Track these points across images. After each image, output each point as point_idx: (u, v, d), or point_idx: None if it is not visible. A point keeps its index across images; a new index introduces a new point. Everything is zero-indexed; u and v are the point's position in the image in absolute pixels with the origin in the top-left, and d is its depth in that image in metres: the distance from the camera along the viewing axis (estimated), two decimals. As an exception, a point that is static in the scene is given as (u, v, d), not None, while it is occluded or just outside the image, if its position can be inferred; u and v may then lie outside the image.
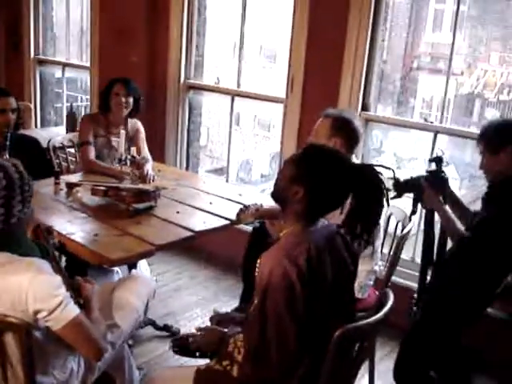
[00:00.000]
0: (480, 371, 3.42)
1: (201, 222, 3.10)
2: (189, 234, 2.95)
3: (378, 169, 2.07)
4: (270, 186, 6.94)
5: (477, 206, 2.91)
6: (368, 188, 2.01)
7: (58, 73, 6.37)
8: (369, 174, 2.04)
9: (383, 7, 3.83)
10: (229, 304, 3.93)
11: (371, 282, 3.12)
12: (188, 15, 4.84)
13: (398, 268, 3.40)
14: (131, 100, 4.00)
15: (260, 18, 6.73)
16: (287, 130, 4.31)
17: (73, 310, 1.95)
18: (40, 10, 6.21)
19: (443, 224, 2.84)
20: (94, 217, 3.10)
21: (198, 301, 4.16)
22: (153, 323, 3.64)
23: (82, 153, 3.97)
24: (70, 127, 5.48)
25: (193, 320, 3.84)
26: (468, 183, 6.27)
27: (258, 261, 1.98)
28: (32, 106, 6.28)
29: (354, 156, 3.13)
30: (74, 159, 4.44)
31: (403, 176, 2.89)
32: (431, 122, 3.85)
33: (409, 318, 2.99)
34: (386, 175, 2.12)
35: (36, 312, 1.89)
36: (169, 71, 4.97)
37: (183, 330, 3.65)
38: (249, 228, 3.81)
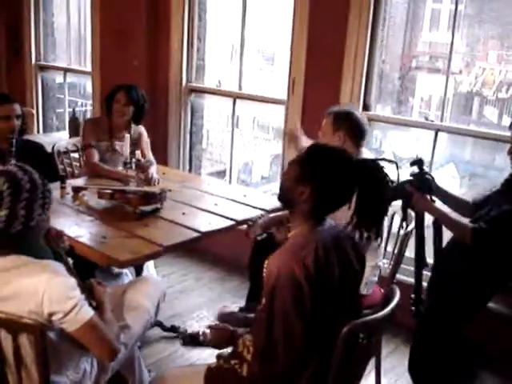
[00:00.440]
0: (482, 365, 3.46)
1: (206, 223, 3.14)
2: (195, 234, 2.99)
3: (382, 163, 2.10)
4: (271, 188, 6.98)
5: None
6: (372, 182, 2.03)
7: (59, 78, 6.40)
8: (371, 168, 2.06)
9: (382, 7, 3.87)
10: (234, 305, 3.95)
11: (375, 278, 3.16)
12: (189, 19, 4.89)
13: (402, 266, 3.43)
14: (131, 109, 4.03)
15: (260, 20, 6.75)
16: (289, 131, 4.33)
17: (87, 312, 1.99)
18: (40, 16, 6.25)
19: (442, 222, 2.84)
20: (101, 220, 3.14)
21: (204, 302, 4.19)
22: (160, 324, 3.66)
23: (86, 156, 4.02)
24: (73, 132, 5.51)
25: (200, 320, 3.87)
26: (468, 182, 6.28)
27: (266, 261, 2.00)
28: (34, 111, 6.31)
29: (363, 149, 3.17)
30: (78, 164, 4.48)
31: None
32: (432, 121, 3.89)
33: (412, 316, 3.02)
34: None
35: (51, 314, 1.93)
36: (170, 75, 5.01)
37: (190, 331, 3.68)
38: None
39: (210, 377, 2.15)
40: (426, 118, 3.99)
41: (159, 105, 5.07)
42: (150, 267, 3.66)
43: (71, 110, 5.95)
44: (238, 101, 4.83)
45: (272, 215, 3.12)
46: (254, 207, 3.45)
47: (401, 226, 3.03)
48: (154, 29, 4.98)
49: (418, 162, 2.84)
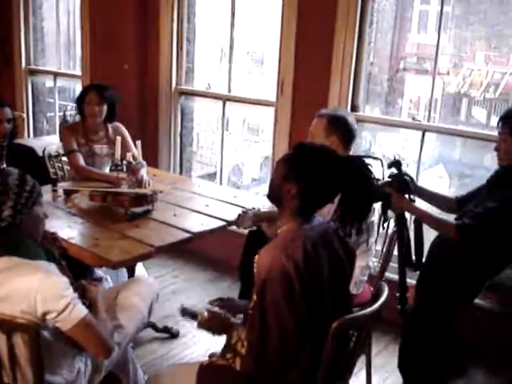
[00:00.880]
0: (472, 361, 3.50)
1: (198, 224, 3.17)
2: (186, 235, 3.02)
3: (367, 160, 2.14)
4: (261, 190, 6.99)
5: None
6: (357, 179, 2.07)
7: (49, 82, 6.41)
8: (357, 165, 2.10)
9: (369, 10, 3.92)
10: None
11: (365, 278, 3.19)
12: (178, 22, 4.91)
13: (391, 264, 3.47)
14: (105, 107, 3.99)
15: (249, 23, 6.78)
16: (278, 133, 4.38)
17: (81, 311, 2.02)
18: (30, 21, 6.25)
19: (424, 221, 2.87)
20: (93, 222, 3.16)
21: (195, 303, 4.19)
22: (153, 325, 3.69)
23: (72, 161, 3.97)
24: (64, 136, 5.52)
25: (192, 321, 3.89)
26: (457, 182, 6.33)
27: (256, 257, 2.05)
28: (24, 115, 6.31)
29: (350, 152, 3.20)
30: (68, 167, 4.49)
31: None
32: (419, 121, 3.93)
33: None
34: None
35: (45, 313, 1.96)
36: (160, 77, 5.03)
37: (183, 332, 3.71)
38: (245, 231, 3.88)
39: (202, 374, 2.18)
40: (414, 119, 4.04)
41: (149, 108, 5.10)
42: (139, 269, 3.67)
43: (61, 113, 5.96)
44: (227, 103, 4.86)
45: (263, 210, 3.14)
46: (244, 208, 3.47)
47: (382, 227, 3.05)
48: (143, 32, 5.01)
49: (396, 163, 2.87)
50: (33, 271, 1.97)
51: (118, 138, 3.74)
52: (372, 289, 3.18)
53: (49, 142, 5.31)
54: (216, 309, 2.34)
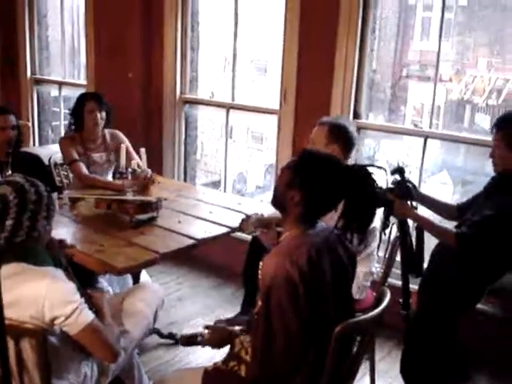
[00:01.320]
0: (477, 368, 3.51)
1: (202, 231, 3.20)
2: (191, 241, 3.05)
3: (370, 169, 2.18)
4: (266, 197, 7.02)
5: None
6: (360, 186, 2.11)
7: (54, 91, 6.46)
8: (360, 172, 2.14)
9: (371, 18, 3.95)
10: (231, 311, 4.00)
11: (368, 283, 3.22)
12: (182, 31, 4.96)
13: (394, 270, 3.49)
14: (104, 115, 4.02)
15: (252, 31, 6.82)
16: (282, 140, 4.41)
17: (88, 315, 2.05)
18: (35, 30, 6.30)
19: (425, 228, 2.88)
20: (98, 229, 3.19)
21: (200, 309, 4.24)
22: (158, 332, 3.71)
23: (75, 171, 3.97)
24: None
25: (197, 328, 3.90)
26: (461, 189, 6.34)
27: (261, 264, 2.07)
28: (30, 124, 6.35)
29: (350, 161, 3.23)
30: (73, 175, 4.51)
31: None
32: (421, 128, 3.96)
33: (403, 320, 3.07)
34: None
35: (53, 318, 1.99)
36: (164, 86, 5.07)
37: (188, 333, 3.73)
38: (248, 238, 3.91)
39: (207, 378, 2.20)
40: (415, 125, 4.06)
41: (154, 116, 5.14)
42: (143, 276, 3.69)
43: (67, 122, 6.00)
44: (231, 111, 4.89)
45: (266, 216, 3.17)
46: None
47: (384, 233, 3.07)
48: (147, 41, 5.05)
49: (399, 170, 2.88)
50: (40, 277, 2.00)
51: (123, 146, 3.78)
52: (375, 294, 3.20)
53: (54, 151, 5.34)
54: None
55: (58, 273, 2.08)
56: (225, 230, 3.26)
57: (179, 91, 5.08)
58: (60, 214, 3.41)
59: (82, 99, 4.06)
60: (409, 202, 2.87)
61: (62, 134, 5.99)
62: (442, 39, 3.82)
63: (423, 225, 2.87)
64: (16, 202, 2.04)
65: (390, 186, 2.86)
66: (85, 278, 3.05)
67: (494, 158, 2.82)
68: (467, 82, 7.34)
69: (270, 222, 3.01)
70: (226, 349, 2.30)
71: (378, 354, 3.52)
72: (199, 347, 2.59)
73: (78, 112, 4.02)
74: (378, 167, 2.30)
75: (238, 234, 3.68)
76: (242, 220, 3.19)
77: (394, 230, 3.29)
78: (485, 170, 4.32)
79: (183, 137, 5.26)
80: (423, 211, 3.05)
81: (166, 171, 5.20)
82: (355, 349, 2.22)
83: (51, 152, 4.97)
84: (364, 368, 3.00)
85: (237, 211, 3.52)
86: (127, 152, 3.98)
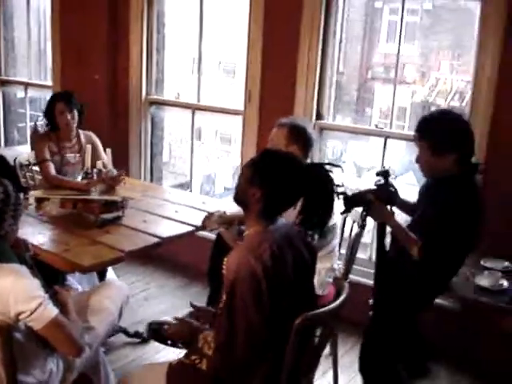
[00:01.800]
0: (436, 361, 3.59)
1: (167, 229, 3.25)
2: (156, 240, 3.10)
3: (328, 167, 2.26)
4: (233, 198, 7.04)
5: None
6: (318, 184, 2.20)
7: (20, 93, 6.42)
8: (318, 171, 2.23)
9: (332, 22, 4.02)
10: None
11: (330, 280, 3.27)
12: (147, 33, 4.98)
13: (355, 267, 3.57)
14: (76, 113, 4.04)
15: (218, 33, 6.87)
16: (246, 141, 4.47)
17: (52, 310, 2.09)
18: (1, 31, 6.26)
19: (395, 234, 2.89)
20: (64, 228, 3.22)
21: (167, 309, 4.25)
22: (124, 331, 3.74)
23: (44, 171, 4.01)
24: (35, 146, 5.54)
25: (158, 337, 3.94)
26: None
27: (225, 260, 2.13)
28: (-5, 125, 6.32)
29: (309, 160, 3.30)
30: (39, 177, 4.52)
31: (352, 190, 2.95)
32: (381, 128, 4.03)
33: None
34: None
35: (18, 313, 2.02)
36: (130, 87, 5.09)
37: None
38: (213, 237, 3.96)
39: (171, 373, 2.25)
40: (376, 126, 4.15)
41: (120, 117, 5.15)
42: (109, 275, 3.71)
43: (33, 123, 5.98)
44: (197, 112, 4.93)
45: (228, 213, 3.22)
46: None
47: (360, 232, 3.12)
48: (113, 42, 5.06)
49: (384, 173, 2.91)
50: (6, 273, 2.04)
51: (88, 147, 3.80)
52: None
53: (20, 152, 5.34)
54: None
55: (23, 269, 2.11)
56: (189, 228, 3.31)
57: (145, 92, 5.10)
58: (26, 214, 3.43)
59: (52, 100, 4.08)
60: (388, 207, 2.88)
61: (28, 136, 5.98)
62: (405, 42, 3.90)
63: (396, 230, 2.86)
64: None
65: (373, 187, 2.89)
66: (53, 276, 3.10)
67: (421, 164, 2.84)
68: (432, 84, 7.50)
69: (233, 220, 3.07)
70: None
71: (341, 349, 3.59)
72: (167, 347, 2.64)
73: (50, 113, 4.05)
74: (335, 165, 2.38)
75: (205, 233, 3.73)
76: (205, 217, 3.24)
77: (353, 226, 3.37)
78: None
79: (149, 138, 5.27)
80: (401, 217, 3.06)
81: (133, 172, 5.21)
82: (316, 341, 2.29)
83: (17, 153, 4.96)
84: (327, 363, 3.07)
85: (202, 210, 3.57)
86: (96, 152, 4.03)
